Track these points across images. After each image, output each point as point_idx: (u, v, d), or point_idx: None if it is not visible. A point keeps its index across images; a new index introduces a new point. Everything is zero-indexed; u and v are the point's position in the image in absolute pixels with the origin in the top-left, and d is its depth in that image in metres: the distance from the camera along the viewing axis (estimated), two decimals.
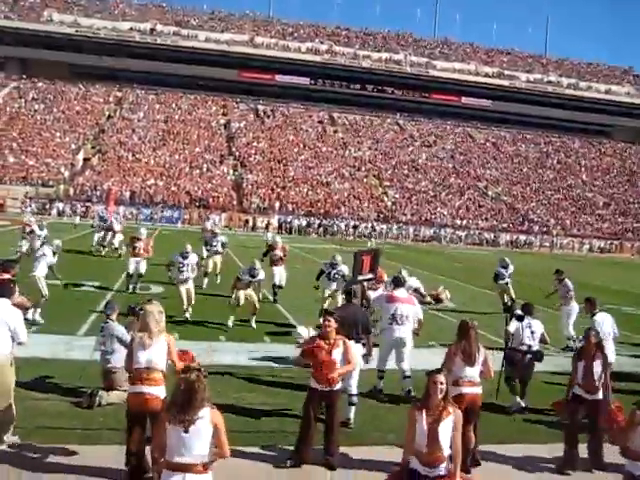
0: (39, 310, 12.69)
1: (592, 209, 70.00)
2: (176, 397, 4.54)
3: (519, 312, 9.82)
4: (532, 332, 9.54)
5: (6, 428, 7.12)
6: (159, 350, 6.32)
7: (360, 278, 10.34)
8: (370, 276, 10.61)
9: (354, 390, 8.15)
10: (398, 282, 10.26)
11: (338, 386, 7.00)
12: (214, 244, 19.53)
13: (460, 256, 41.77)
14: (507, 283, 18.47)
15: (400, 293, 9.91)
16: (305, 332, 8.02)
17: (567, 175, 77.50)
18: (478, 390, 7.05)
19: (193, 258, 14.59)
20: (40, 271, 13.08)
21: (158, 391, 6.21)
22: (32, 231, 18.84)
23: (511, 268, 18.69)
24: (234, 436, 5.52)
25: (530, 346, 9.51)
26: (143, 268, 17.50)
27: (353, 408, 8.17)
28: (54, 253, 13.74)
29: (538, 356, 9.59)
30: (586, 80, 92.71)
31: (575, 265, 37.38)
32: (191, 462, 4.44)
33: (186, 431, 4.42)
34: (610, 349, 9.46)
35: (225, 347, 11.93)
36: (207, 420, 4.50)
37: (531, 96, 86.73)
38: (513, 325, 9.58)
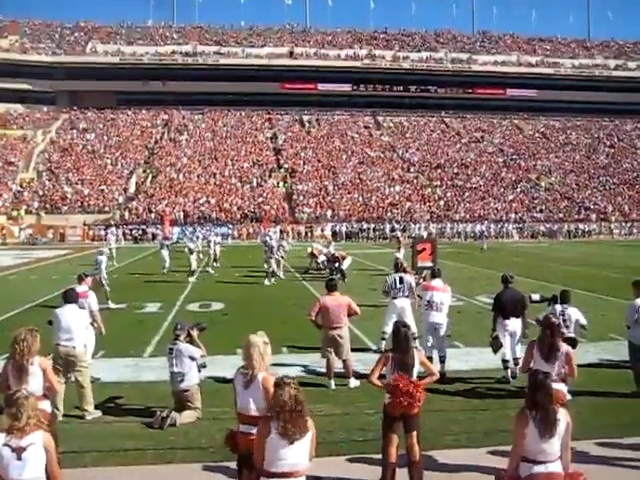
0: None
1: None
2: (281, 409, 4.37)
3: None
4: (564, 320, 9.29)
5: (88, 400, 8.58)
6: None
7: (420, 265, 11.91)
8: (430, 264, 11.75)
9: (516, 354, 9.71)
10: (434, 273, 11.03)
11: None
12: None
13: (519, 250, 41.08)
14: None
15: (436, 283, 10.64)
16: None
17: (622, 159, 75.48)
18: None
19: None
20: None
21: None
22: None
23: None
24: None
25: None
26: None
27: None
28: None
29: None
30: (634, 60, 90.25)
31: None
32: (291, 471, 4.40)
33: (292, 443, 4.35)
34: None
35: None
36: (309, 432, 4.45)
37: (578, 81, 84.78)
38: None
